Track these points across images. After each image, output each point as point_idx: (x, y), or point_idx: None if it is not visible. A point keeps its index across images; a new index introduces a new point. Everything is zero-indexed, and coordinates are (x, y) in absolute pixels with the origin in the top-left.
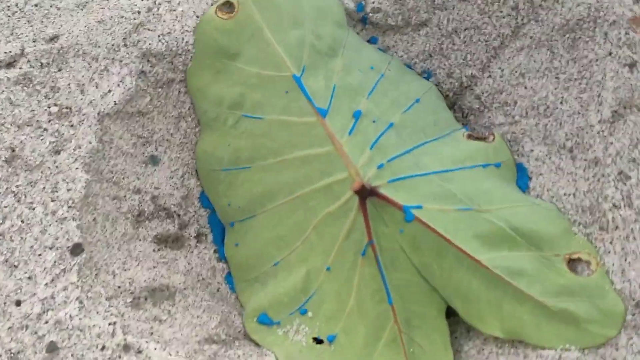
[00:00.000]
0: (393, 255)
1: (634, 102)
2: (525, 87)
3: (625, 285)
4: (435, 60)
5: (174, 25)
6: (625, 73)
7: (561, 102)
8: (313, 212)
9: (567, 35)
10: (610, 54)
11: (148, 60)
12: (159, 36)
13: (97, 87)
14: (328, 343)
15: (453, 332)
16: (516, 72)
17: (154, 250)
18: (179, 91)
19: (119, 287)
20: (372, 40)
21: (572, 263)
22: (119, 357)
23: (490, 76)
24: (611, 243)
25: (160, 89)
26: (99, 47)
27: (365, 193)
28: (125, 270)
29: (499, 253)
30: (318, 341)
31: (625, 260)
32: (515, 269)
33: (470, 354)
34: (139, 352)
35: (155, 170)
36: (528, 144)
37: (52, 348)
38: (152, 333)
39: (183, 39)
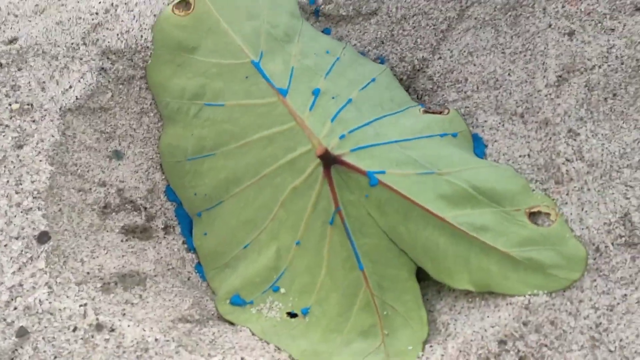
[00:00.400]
0: (360, 221)
1: (576, 67)
2: (474, 64)
3: (585, 232)
4: (388, 47)
5: (132, 24)
6: (565, 41)
7: (509, 74)
8: (279, 190)
9: (509, 13)
10: (550, 25)
11: (108, 58)
12: (117, 35)
13: (57, 84)
14: (302, 316)
15: (424, 294)
16: (465, 51)
17: (122, 241)
18: (140, 87)
19: (88, 273)
20: (325, 31)
21: (533, 216)
22: (92, 336)
23: (440, 57)
24: (567, 195)
25: (121, 86)
26: (58, 46)
27: (329, 160)
28: (93, 258)
29: (463, 211)
30: (292, 315)
31: (583, 210)
32: (479, 225)
33: (442, 311)
34: (112, 330)
35: (119, 164)
36: (482, 115)
37: (22, 333)
38: (124, 314)
39: (142, 36)
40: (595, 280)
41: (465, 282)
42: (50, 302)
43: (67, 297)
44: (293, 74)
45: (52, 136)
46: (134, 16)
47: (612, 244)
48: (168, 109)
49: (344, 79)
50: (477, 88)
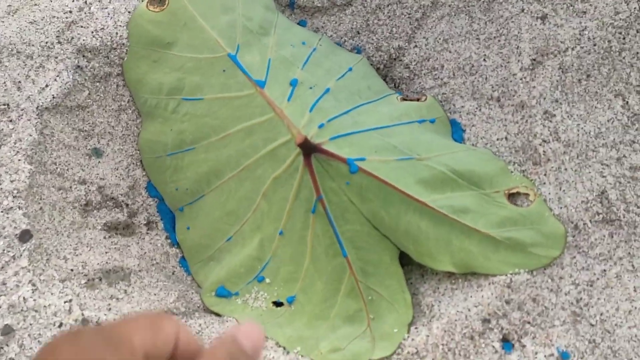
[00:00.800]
0: (342, 208)
1: (549, 50)
2: (450, 51)
3: (563, 210)
4: (364, 37)
5: (106, 22)
6: (538, 25)
7: (484, 60)
8: (260, 181)
9: None
10: (523, 10)
11: (83, 56)
12: (92, 32)
13: (33, 83)
14: (288, 304)
15: (408, 278)
16: (440, 39)
17: (104, 237)
18: (117, 84)
19: (72, 270)
20: (301, 23)
21: (512, 197)
22: None
23: (416, 46)
24: (545, 175)
25: (98, 83)
26: (32, 45)
27: (309, 148)
28: (77, 255)
29: (442, 194)
30: (278, 304)
31: (561, 189)
32: (459, 207)
33: (427, 293)
34: (98, 324)
35: (99, 162)
36: (459, 101)
37: (8, 330)
38: (110, 308)
39: (117, 33)
40: (574, 257)
41: (447, 264)
42: (34, 300)
43: (52, 294)
44: (270, 65)
45: (30, 135)
46: (109, 13)
47: (590, 221)
48: (146, 105)
49: (321, 69)
50: (454, 74)
